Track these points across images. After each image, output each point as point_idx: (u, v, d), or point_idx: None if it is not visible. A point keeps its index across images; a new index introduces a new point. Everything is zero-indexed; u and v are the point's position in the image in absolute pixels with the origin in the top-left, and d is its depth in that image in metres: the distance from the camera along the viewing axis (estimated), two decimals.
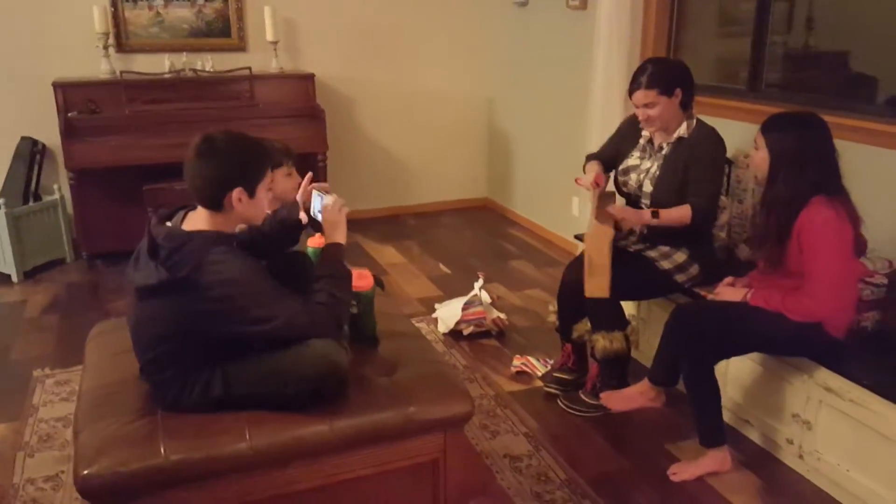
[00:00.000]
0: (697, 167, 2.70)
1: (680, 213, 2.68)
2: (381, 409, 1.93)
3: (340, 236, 2.07)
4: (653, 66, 2.73)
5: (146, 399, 1.95)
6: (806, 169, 2.24)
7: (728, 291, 2.53)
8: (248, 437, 1.80)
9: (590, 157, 3.04)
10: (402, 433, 1.95)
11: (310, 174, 2.27)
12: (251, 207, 1.91)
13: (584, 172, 2.98)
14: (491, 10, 5.33)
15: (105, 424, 1.84)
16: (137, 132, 4.23)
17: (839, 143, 2.31)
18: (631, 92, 2.76)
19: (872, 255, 2.59)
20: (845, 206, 2.24)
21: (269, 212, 2.24)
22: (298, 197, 2.20)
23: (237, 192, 1.85)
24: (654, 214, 2.69)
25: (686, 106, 2.75)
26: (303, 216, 2.17)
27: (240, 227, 2.08)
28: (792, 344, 2.36)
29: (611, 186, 3.01)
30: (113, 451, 1.74)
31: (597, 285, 2.68)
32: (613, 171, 3.01)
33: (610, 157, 3.01)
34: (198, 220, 1.90)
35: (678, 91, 2.70)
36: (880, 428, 2.14)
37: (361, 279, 2.26)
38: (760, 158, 2.34)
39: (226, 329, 1.82)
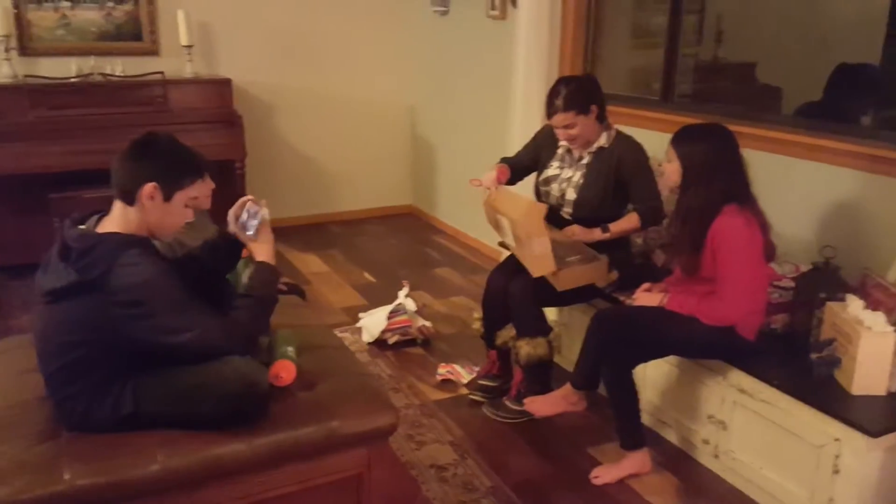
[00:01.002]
0: (633, 177, 2.79)
1: (629, 223, 2.79)
2: (302, 424, 1.88)
3: (270, 256, 2.01)
4: (566, 88, 2.77)
5: (50, 420, 1.84)
6: (716, 179, 2.31)
7: (645, 297, 2.59)
8: (159, 458, 1.72)
9: (503, 161, 3.08)
10: (324, 449, 1.91)
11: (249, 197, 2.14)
12: (162, 210, 1.84)
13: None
14: (412, 18, 5.32)
15: (5, 449, 1.73)
16: (42, 139, 4.02)
17: (747, 153, 2.39)
18: (549, 115, 2.81)
19: (780, 260, 2.70)
20: (755, 214, 2.33)
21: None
22: (231, 212, 2.06)
23: (150, 188, 1.80)
24: (605, 230, 2.77)
25: (602, 118, 2.82)
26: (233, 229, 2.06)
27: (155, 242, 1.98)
28: (706, 347, 2.43)
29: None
30: (13, 478, 1.63)
31: (542, 264, 2.65)
32: (531, 178, 3.05)
33: (524, 164, 3.06)
34: (111, 223, 1.83)
35: (593, 107, 2.77)
36: (790, 426, 2.23)
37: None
38: (672, 169, 2.41)
39: (136, 336, 1.74)
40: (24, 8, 4.31)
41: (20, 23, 4.32)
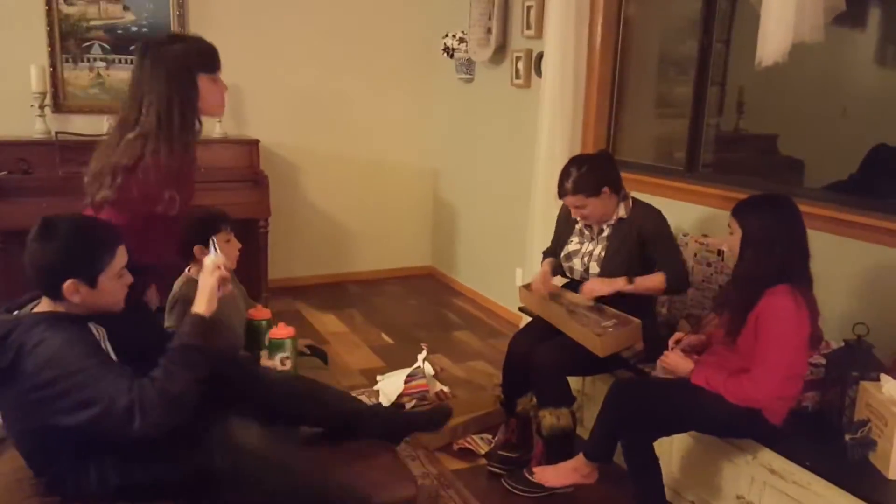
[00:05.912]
0: (656, 244, 2.77)
1: (654, 282, 2.74)
2: None
3: (202, 305, 1.80)
4: (576, 171, 2.75)
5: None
6: (774, 249, 2.23)
7: (674, 358, 2.44)
8: None
9: (546, 254, 3.11)
10: None
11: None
12: (94, 297, 1.74)
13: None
14: (438, 84, 5.43)
15: None
16: (70, 194, 4.01)
17: None
18: (560, 195, 2.81)
19: None
20: (806, 298, 2.22)
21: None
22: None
23: (70, 284, 1.69)
24: (630, 280, 2.73)
25: (617, 192, 2.81)
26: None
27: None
28: (729, 427, 2.35)
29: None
30: None
31: (589, 343, 2.63)
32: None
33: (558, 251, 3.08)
34: (43, 307, 1.76)
35: (605, 189, 2.75)
36: None
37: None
38: (734, 241, 2.32)
39: (58, 421, 1.62)
40: (60, 67, 4.44)
41: (55, 81, 4.44)
